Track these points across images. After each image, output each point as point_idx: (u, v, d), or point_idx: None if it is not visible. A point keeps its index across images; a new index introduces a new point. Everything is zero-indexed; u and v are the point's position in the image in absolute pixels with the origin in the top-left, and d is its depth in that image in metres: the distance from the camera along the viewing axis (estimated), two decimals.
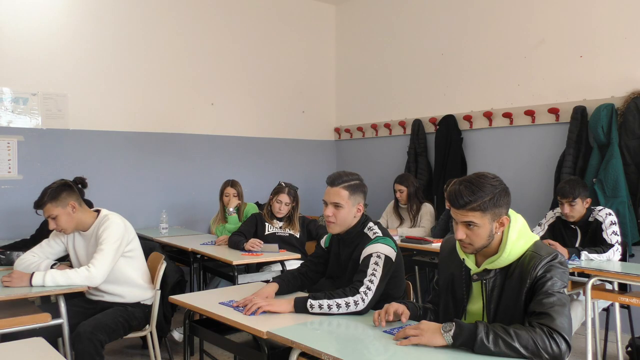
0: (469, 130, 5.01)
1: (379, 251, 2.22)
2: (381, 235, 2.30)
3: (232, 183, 4.41)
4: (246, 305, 2.14)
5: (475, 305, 1.86)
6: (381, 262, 2.19)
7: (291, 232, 3.98)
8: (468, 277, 1.87)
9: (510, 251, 1.75)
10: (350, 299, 2.09)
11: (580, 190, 3.38)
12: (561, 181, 3.73)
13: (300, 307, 2.10)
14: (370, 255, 2.22)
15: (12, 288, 2.54)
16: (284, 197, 3.92)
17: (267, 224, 3.96)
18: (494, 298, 1.79)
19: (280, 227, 3.98)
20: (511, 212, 1.81)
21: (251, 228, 3.94)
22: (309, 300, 2.10)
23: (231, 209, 4.25)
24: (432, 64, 5.35)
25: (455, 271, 1.92)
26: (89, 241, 2.83)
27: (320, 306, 2.08)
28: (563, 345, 1.55)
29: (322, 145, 6.41)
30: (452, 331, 1.64)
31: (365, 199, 2.41)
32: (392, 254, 2.25)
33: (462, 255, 1.87)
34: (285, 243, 3.89)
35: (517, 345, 1.55)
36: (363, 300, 2.11)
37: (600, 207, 3.46)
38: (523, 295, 1.70)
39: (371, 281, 2.15)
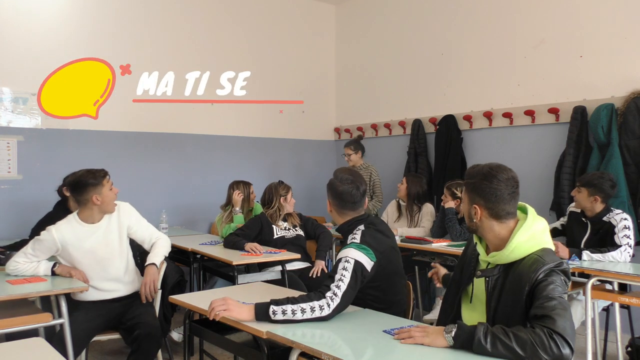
0: (469, 130, 5.01)
1: (349, 256, 2.11)
2: (358, 242, 2.17)
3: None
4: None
5: (478, 303, 1.90)
6: (350, 267, 2.08)
7: (296, 229, 3.99)
8: (476, 262, 1.95)
9: (513, 249, 1.77)
10: (316, 304, 1.99)
11: (594, 184, 3.37)
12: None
13: (261, 315, 1.98)
14: (339, 260, 2.13)
15: (12, 288, 2.53)
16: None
17: (274, 226, 3.93)
18: (495, 296, 1.80)
19: (286, 227, 3.97)
20: (532, 215, 1.83)
21: (253, 232, 3.86)
22: (271, 306, 1.98)
23: (237, 208, 4.21)
24: (432, 64, 5.35)
25: (471, 254, 2.01)
26: (105, 229, 2.87)
27: (283, 312, 1.96)
28: (566, 349, 1.54)
29: (322, 145, 6.41)
30: (454, 332, 1.66)
31: (335, 196, 2.37)
32: (364, 259, 2.12)
33: (475, 239, 1.95)
34: (294, 245, 3.88)
35: (514, 346, 1.56)
36: (328, 305, 2.00)
37: (619, 211, 3.41)
38: (523, 299, 1.71)
39: (338, 287, 2.03)
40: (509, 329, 1.60)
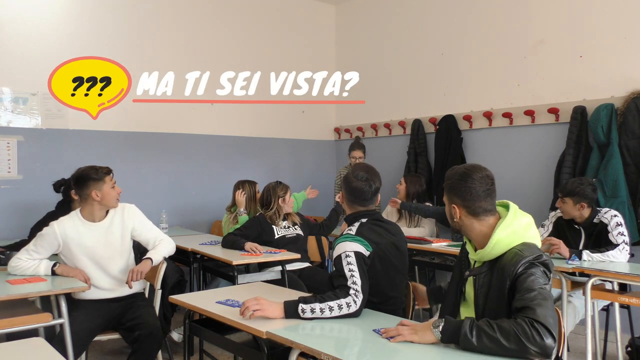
0: (468, 130, 5.01)
1: (346, 250, 2.18)
2: (353, 233, 2.25)
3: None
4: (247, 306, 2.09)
5: (469, 302, 1.93)
6: (353, 261, 2.14)
7: (296, 227, 3.98)
8: (467, 263, 1.98)
9: (494, 245, 1.81)
10: (343, 301, 2.06)
11: (577, 192, 3.34)
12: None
13: (290, 312, 2.05)
14: (339, 258, 2.17)
15: (12, 288, 2.53)
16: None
17: (274, 226, 3.90)
18: (482, 294, 1.84)
19: (285, 226, 3.96)
20: (513, 211, 1.86)
21: (252, 232, 3.82)
22: (300, 304, 2.05)
23: (241, 209, 4.17)
24: (432, 64, 5.35)
25: (462, 253, 2.05)
26: (107, 229, 2.89)
27: (312, 310, 2.03)
28: (548, 337, 1.54)
29: (322, 145, 6.41)
30: (441, 326, 1.69)
31: (348, 191, 2.43)
32: (360, 248, 2.19)
33: (465, 238, 1.98)
34: (295, 244, 3.87)
35: (498, 336, 1.57)
36: (355, 302, 2.07)
37: (606, 209, 3.40)
38: (506, 293, 1.74)
39: (355, 283, 2.10)
40: (493, 321, 1.62)
